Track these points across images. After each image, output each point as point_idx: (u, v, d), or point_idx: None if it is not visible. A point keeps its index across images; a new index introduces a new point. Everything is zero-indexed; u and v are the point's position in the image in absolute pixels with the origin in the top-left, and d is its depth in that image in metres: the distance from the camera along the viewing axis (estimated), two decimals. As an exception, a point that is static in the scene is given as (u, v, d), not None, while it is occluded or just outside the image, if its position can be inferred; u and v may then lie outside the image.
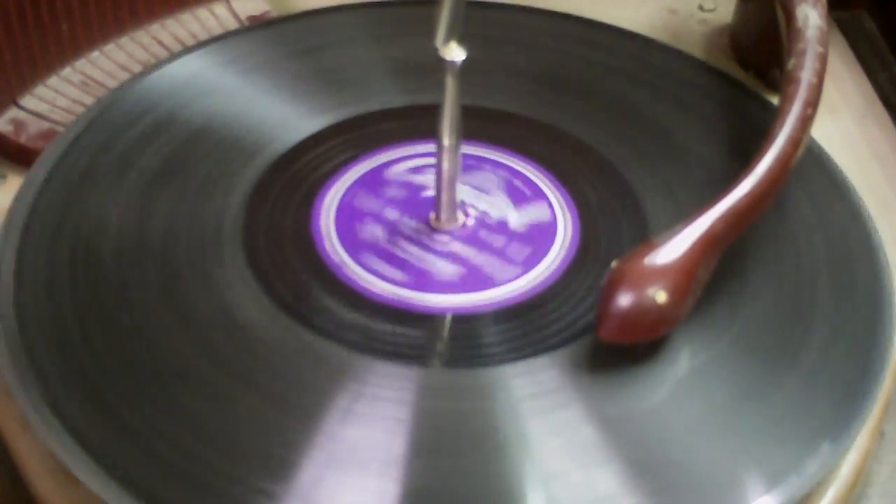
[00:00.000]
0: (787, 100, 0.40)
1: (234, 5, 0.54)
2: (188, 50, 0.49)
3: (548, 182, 0.43)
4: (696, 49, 0.54)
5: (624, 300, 0.34)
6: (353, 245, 0.40)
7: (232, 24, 0.53)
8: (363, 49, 0.50)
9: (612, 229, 0.41)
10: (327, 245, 0.40)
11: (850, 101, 0.52)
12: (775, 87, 0.47)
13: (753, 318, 0.38)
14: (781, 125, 0.39)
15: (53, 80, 0.49)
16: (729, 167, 0.42)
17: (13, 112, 0.47)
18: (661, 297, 0.34)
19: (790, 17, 0.43)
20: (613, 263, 0.36)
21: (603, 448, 0.34)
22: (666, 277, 0.35)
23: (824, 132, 0.46)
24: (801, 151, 0.40)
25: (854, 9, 0.60)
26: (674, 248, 0.35)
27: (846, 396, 0.35)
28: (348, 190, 0.43)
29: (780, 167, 0.38)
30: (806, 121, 0.40)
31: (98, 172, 0.42)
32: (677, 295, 0.35)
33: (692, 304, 0.36)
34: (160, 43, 0.51)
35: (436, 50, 0.37)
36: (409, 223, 0.41)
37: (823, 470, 0.34)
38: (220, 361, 0.36)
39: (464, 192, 0.42)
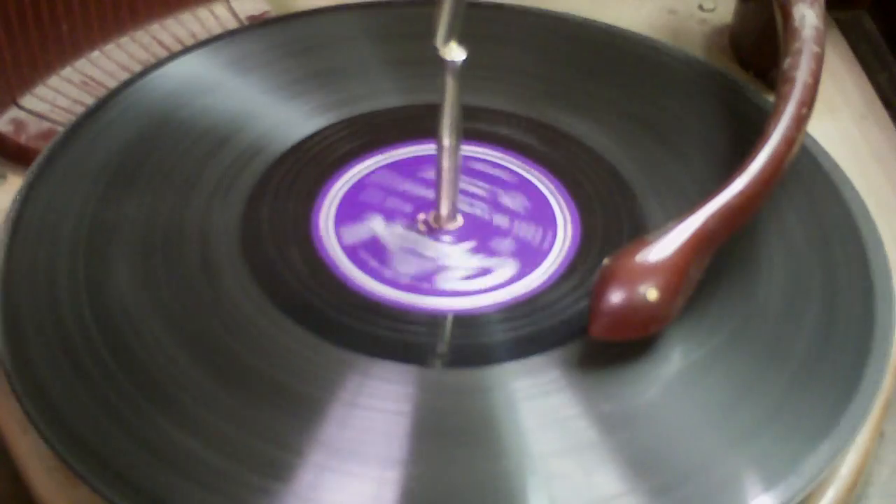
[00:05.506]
0: (781, 99, 0.40)
1: (234, 5, 0.54)
2: (188, 50, 0.49)
3: (547, 182, 0.43)
4: (696, 49, 0.54)
5: (615, 297, 0.34)
6: (353, 245, 0.40)
7: (232, 24, 0.53)
8: (363, 49, 0.50)
9: (612, 229, 0.41)
10: (327, 245, 0.40)
11: (850, 101, 0.52)
12: (775, 87, 0.47)
13: (752, 316, 0.38)
14: (776, 125, 0.39)
15: (53, 80, 0.49)
16: (728, 167, 0.42)
17: (13, 112, 0.47)
18: (651, 294, 0.34)
19: (787, 16, 0.43)
20: (605, 260, 0.36)
21: (602, 447, 0.34)
22: (657, 275, 0.34)
23: (824, 132, 0.46)
24: (795, 151, 0.40)
25: (854, 9, 0.60)
26: (665, 246, 0.35)
27: (846, 396, 0.35)
28: (348, 190, 0.43)
29: (773, 166, 0.38)
30: (800, 120, 0.40)
31: (98, 172, 0.42)
32: (668, 292, 0.35)
33: (684, 302, 0.36)
34: (160, 43, 0.52)
35: (436, 50, 0.37)
36: (409, 223, 0.41)
37: (823, 470, 0.33)
38: (220, 361, 0.36)
39: (465, 193, 0.42)
